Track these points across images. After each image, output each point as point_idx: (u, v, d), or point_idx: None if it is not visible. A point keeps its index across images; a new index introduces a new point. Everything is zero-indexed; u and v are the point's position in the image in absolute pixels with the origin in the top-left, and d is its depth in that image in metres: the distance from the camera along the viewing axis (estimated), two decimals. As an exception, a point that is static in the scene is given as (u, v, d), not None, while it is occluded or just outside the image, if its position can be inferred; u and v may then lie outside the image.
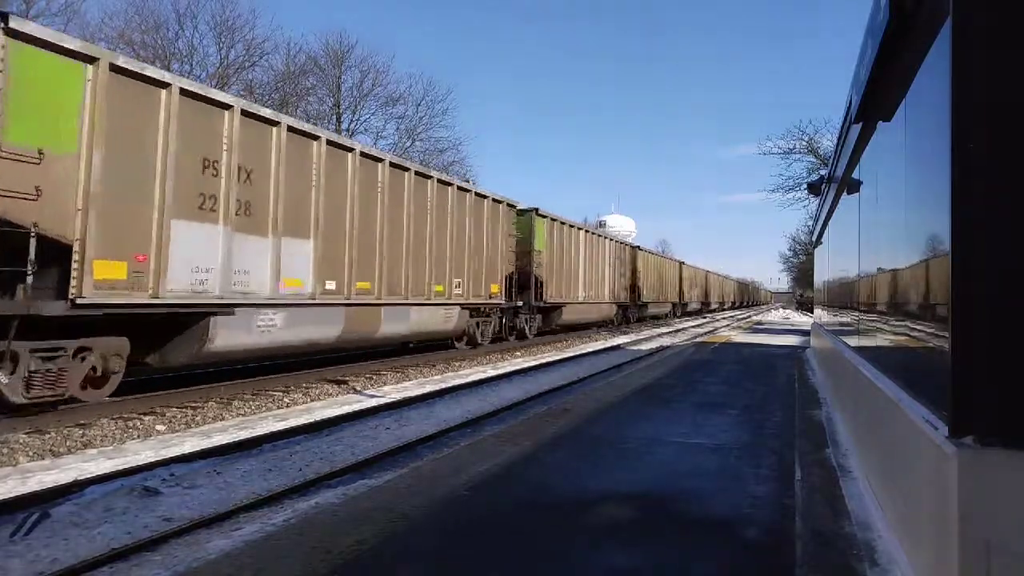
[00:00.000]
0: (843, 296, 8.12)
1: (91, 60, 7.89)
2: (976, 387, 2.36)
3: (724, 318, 54.58)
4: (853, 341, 6.67)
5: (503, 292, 18.46)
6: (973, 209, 2.37)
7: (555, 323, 23.99)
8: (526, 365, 15.56)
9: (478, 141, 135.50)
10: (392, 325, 13.61)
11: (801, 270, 69.12)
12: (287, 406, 9.98)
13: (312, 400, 10.51)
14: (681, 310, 48.66)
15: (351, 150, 12.49)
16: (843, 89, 9.67)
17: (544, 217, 22.51)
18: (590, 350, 20.39)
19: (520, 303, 20.51)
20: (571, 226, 25.23)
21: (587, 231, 27.22)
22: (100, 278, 7.94)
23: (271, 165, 10.56)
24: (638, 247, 36.36)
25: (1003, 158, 2.36)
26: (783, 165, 51.04)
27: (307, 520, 3.98)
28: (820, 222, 12.64)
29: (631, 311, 34.55)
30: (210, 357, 9.83)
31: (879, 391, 4.12)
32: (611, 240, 30.97)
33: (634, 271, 34.69)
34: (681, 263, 48.51)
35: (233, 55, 32.26)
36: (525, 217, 21.83)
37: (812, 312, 25.82)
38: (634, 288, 34.54)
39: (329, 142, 11.93)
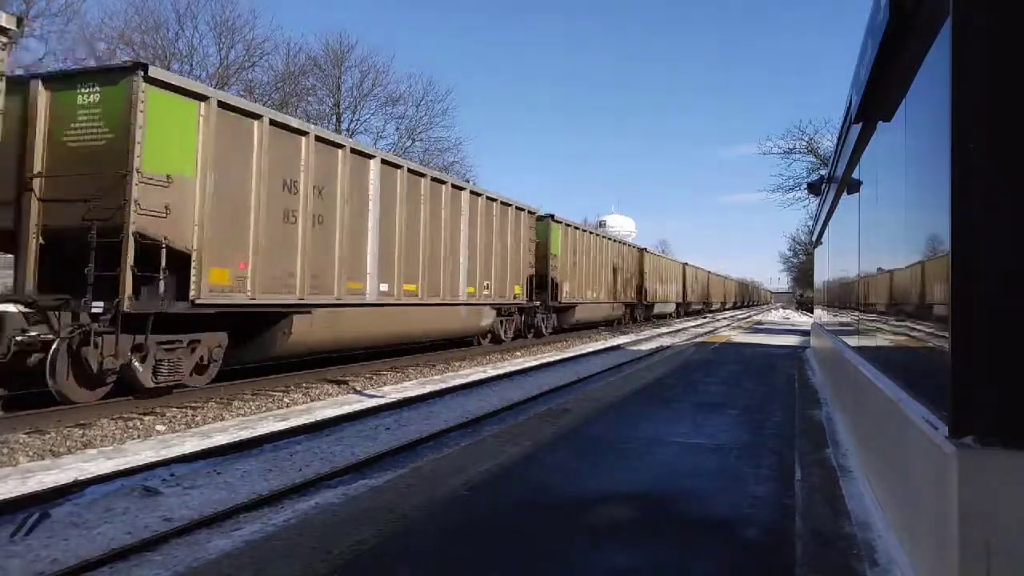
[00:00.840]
0: (843, 296, 8.12)
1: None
2: (976, 387, 2.36)
3: (724, 318, 54.51)
4: (853, 341, 6.67)
5: None
6: (973, 209, 2.37)
7: (262, 358, 11.20)
8: (527, 365, 15.56)
9: (478, 141, 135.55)
10: None
11: (801, 270, 69.04)
12: (287, 406, 9.98)
13: (312, 400, 10.51)
14: (550, 322, 24.34)
15: None
16: (843, 87, 9.66)
17: (183, 97, 9.03)
18: (590, 350, 20.39)
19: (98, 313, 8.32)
20: (331, 144, 11.92)
21: (392, 164, 13.74)
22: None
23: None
24: (552, 217, 23.05)
25: (1003, 158, 2.36)
26: (783, 165, 50.92)
27: (307, 520, 3.98)
28: (820, 222, 12.64)
29: (542, 317, 22.60)
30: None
31: (879, 391, 4.12)
32: (483, 197, 17.10)
33: (544, 257, 22.11)
34: (601, 234, 31.54)
35: (233, 55, 32.27)
36: (115, 90, 8.51)
37: (812, 312, 25.81)
38: (542, 281, 21.86)
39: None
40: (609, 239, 31.54)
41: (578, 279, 25.76)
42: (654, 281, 38.73)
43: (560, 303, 23.64)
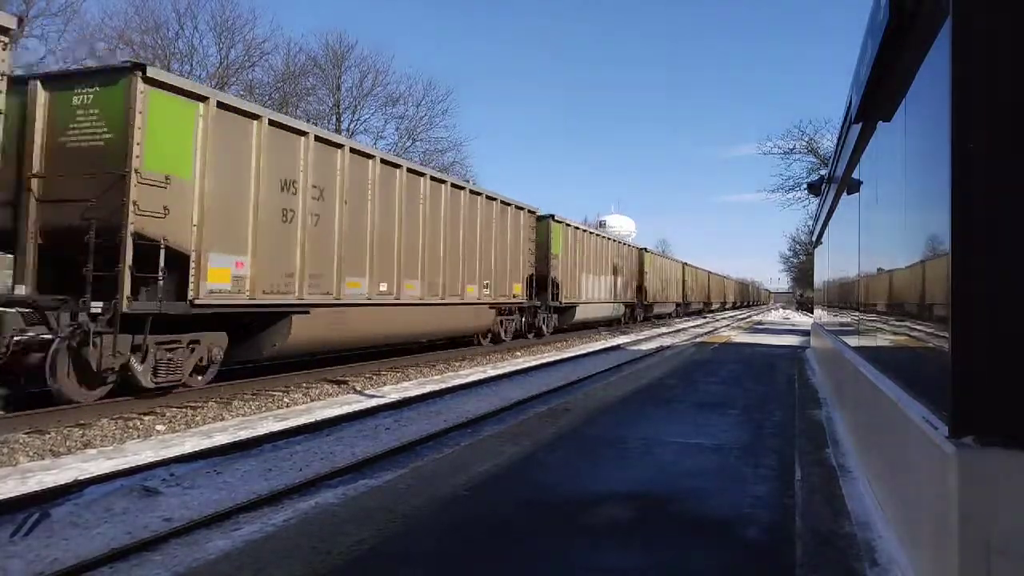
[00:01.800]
0: (843, 296, 8.12)
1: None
2: (976, 387, 2.36)
3: (724, 318, 54.45)
4: (853, 341, 6.67)
5: None
6: (973, 209, 2.37)
7: None
8: (527, 365, 15.56)
9: (478, 142, 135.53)
10: None
11: (801, 270, 69.07)
12: (287, 406, 9.98)
13: (312, 400, 10.51)
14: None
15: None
16: (843, 88, 9.67)
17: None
18: (590, 350, 20.39)
19: None
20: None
21: None
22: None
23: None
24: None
25: (1003, 158, 2.36)
26: (783, 165, 50.92)
27: (307, 520, 3.98)
28: (820, 222, 12.64)
29: None
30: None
31: (879, 391, 4.12)
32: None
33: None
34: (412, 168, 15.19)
35: (233, 55, 32.29)
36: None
37: (812, 312, 25.81)
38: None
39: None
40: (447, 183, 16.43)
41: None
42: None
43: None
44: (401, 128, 38.79)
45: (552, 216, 23.20)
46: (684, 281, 48.58)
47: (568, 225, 25.04)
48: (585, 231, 27.45)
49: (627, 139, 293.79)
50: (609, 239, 31.23)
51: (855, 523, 3.99)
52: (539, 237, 21.81)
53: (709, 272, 63.77)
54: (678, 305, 46.64)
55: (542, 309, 22.41)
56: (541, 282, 21.83)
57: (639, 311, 35.59)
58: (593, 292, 27.51)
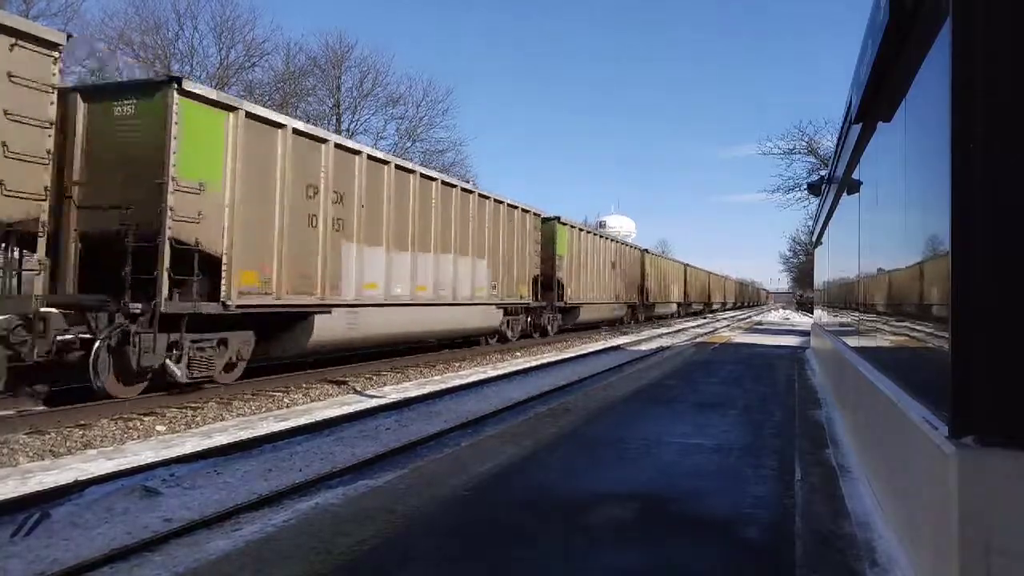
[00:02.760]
0: (843, 296, 8.12)
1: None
2: (976, 387, 2.36)
3: (724, 318, 54.36)
4: (853, 341, 6.67)
5: None
6: (973, 209, 2.37)
7: None
8: (527, 365, 15.56)
9: (478, 143, 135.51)
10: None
11: (801, 270, 68.95)
12: (287, 406, 9.98)
13: (312, 400, 10.51)
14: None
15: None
16: (843, 87, 9.66)
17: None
18: (591, 350, 20.39)
19: None
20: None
21: None
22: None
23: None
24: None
25: (1003, 158, 2.36)
26: (783, 165, 50.73)
27: (307, 520, 3.97)
28: (820, 222, 12.65)
29: None
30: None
31: (879, 391, 4.12)
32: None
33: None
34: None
35: (233, 55, 32.30)
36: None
37: (812, 312, 25.81)
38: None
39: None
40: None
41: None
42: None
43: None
44: (401, 128, 38.80)
45: (260, 120, 10.55)
46: (645, 275, 38.46)
47: (344, 149, 12.47)
48: (401, 167, 14.34)
49: (627, 139, 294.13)
50: (468, 189, 17.51)
51: (855, 523, 4.00)
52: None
53: (687, 265, 52.57)
54: (632, 308, 36.49)
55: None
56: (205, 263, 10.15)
57: (550, 317, 24.03)
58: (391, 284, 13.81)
